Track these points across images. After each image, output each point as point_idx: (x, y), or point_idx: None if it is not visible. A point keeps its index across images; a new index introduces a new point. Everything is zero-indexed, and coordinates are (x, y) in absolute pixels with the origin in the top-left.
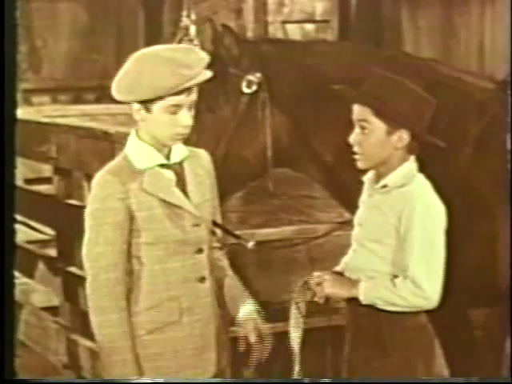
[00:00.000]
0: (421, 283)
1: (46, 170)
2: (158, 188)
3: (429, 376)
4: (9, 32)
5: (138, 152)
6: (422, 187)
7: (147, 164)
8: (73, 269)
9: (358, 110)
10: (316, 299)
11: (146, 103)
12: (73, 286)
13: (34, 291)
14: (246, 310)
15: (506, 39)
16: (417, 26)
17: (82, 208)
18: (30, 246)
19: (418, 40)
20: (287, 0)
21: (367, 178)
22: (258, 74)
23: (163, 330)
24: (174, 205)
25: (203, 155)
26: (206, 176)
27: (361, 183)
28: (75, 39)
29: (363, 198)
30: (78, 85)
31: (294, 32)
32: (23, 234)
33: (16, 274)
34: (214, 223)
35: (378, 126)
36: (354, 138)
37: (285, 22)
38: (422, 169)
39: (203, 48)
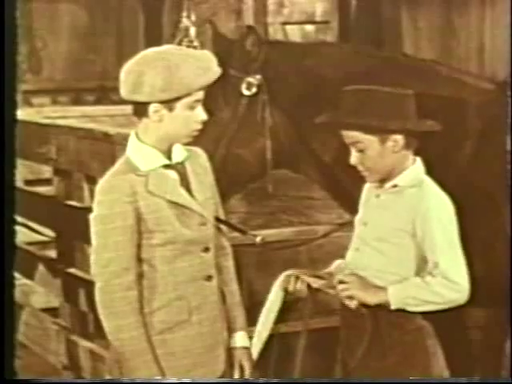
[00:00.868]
0: (454, 278)
1: (46, 171)
2: (163, 189)
3: (427, 376)
4: (9, 32)
5: (140, 154)
6: (433, 187)
7: (151, 166)
8: (73, 270)
9: (346, 135)
10: (345, 301)
11: (170, 101)
12: (73, 288)
13: (34, 292)
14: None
15: (505, 40)
16: (417, 27)
17: (82, 209)
18: (30, 248)
19: (417, 41)
20: (287, 1)
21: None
22: (258, 76)
23: (173, 329)
24: (182, 205)
25: (200, 153)
26: (206, 174)
27: (360, 184)
28: (75, 40)
29: (367, 199)
30: (77, 86)
31: (294, 33)
32: (23, 235)
33: (16, 275)
34: (222, 221)
35: (370, 140)
36: (353, 159)
37: (285, 23)
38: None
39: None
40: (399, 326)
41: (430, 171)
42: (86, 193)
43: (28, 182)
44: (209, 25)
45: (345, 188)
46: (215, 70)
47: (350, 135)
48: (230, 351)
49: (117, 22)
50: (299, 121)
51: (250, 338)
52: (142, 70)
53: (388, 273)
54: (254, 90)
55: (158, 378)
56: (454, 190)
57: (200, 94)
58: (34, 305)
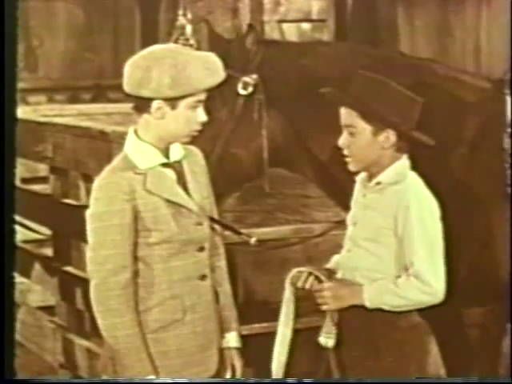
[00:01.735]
0: (426, 279)
1: (42, 169)
2: (161, 188)
3: (423, 375)
4: (9, 31)
5: (139, 152)
6: (415, 184)
7: (149, 164)
8: (69, 268)
9: (344, 114)
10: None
11: (175, 99)
12: (69, 286)
13: (31, 291)
14: None
15: (502, 38)
16: (413, 26)
17: (78, 207)
18: (27, 246)
19: (414, 39)
20: None
21: (359, 178)
22: (255, 76)
23: (167, 328)
24: (179, 204)
25: (196, 152)
26: (202, 173)
27: (356, 182)
28: (71, 39)
29: (356, 198)
30: (74, 84)
31: (291, 31)
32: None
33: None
34: (217, 220)
35: (364, 127)
36: (342, 141)
37: (281, 22)
38: (418, 168)
39: (199, 48)
40: (394, 324)
41: (426, 170)
42: (83, 191)
43: (24, 180)
44: (204, 24)
45: (341, 186)
46: (222, 73)
47: (347, 115)
48: (222, 351)
49: (113, 21)
50: (295, 120)
51: (244, 336)
52: (150, 66)
53: (378, 272)
54: (250, 89)
55: (152, 376)
56: (449, 188)
57: (202, 95)
58: (30, 303)
